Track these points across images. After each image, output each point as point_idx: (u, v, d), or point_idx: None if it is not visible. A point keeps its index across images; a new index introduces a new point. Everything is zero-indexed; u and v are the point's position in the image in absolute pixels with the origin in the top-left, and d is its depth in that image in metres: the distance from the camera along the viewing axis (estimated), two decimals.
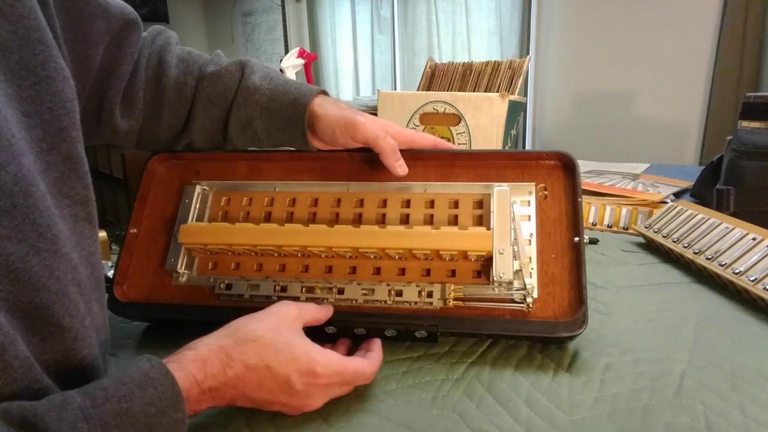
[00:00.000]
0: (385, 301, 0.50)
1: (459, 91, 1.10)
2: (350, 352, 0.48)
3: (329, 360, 0.41)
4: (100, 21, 0.47)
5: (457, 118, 0.92)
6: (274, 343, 0.39)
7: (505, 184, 0.52)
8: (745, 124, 0.97)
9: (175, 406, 0.33)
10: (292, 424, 0.41)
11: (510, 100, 0.88)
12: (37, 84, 0.36)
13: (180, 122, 0.58)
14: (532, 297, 0.48)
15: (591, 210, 0.88)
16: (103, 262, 0.44)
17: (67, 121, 0.38)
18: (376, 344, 0.47)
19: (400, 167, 0.53)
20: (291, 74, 2.18)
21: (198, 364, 0.36)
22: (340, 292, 0.51)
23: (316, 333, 0.45)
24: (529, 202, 0.52)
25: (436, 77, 1.15)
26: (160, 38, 0.57)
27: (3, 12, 0.35)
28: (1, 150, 0.32)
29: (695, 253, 0.65)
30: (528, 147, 3.01)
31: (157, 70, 0.55)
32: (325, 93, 0.57)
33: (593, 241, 0.78)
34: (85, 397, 0.30)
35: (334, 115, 0.54)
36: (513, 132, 0.96)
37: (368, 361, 0.44)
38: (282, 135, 0.57)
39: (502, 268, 0.48)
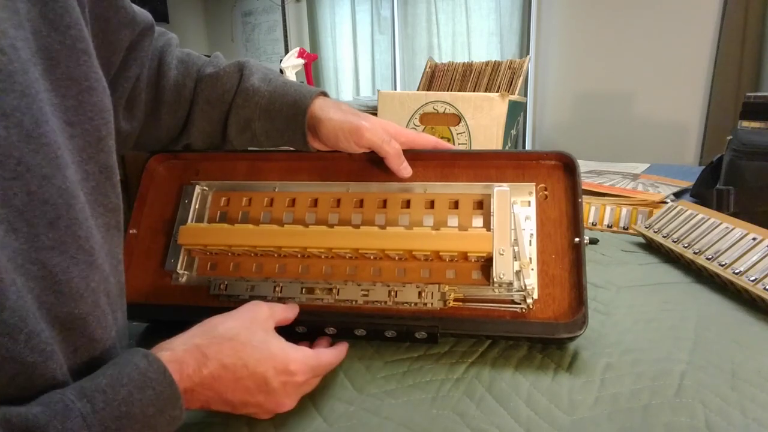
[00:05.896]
0: (385, 302, 0.50)
1: (459, 91, 1.10)
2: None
3: (305, 356, 0.41)
4: (126, 29, 0.47)
5: (457, 118, 0.91)
6: (250, 341, 0.39)
7: (505, 184, 0.52)
8: (745, 124, 0.97)
9: (173, 404, 0.33)
10: (292, 425, 0.41)
11: (510, 100, 0.88)
12: (80, 94, 0.36)
13: (178, 124, 0.58)
14: (532, 298, 0.48)
15: (591, 210, 0.88)
16: None
17: (105, 131, 0.38)
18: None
19: (405, 169, 0.54)
20: (291, 74, 2.18)
21: (175, 365, 0.35)
22: (340, 293, 0.51)
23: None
24: (529, 202, 0.52)
25: (436, 77, 1.15)
26: (161, 40, 0.57)
27: (53, 22, 0.35)
28: (49, 162, 0.32)
29: (695, 253, 0.65)
30: (528, 147, 3.01)
31: (157, 71, 0.55)
32: (324, 94, 0.57)
33: (593, 241, 0.78)
34: (85, 401, 0.30)
35: (338, 119, 0.54)
36: (513, 132, 0.96)
37: (337, 352, 0.46)
38: (281, 137, 0.57)
39: (502, 269, 0.48)
